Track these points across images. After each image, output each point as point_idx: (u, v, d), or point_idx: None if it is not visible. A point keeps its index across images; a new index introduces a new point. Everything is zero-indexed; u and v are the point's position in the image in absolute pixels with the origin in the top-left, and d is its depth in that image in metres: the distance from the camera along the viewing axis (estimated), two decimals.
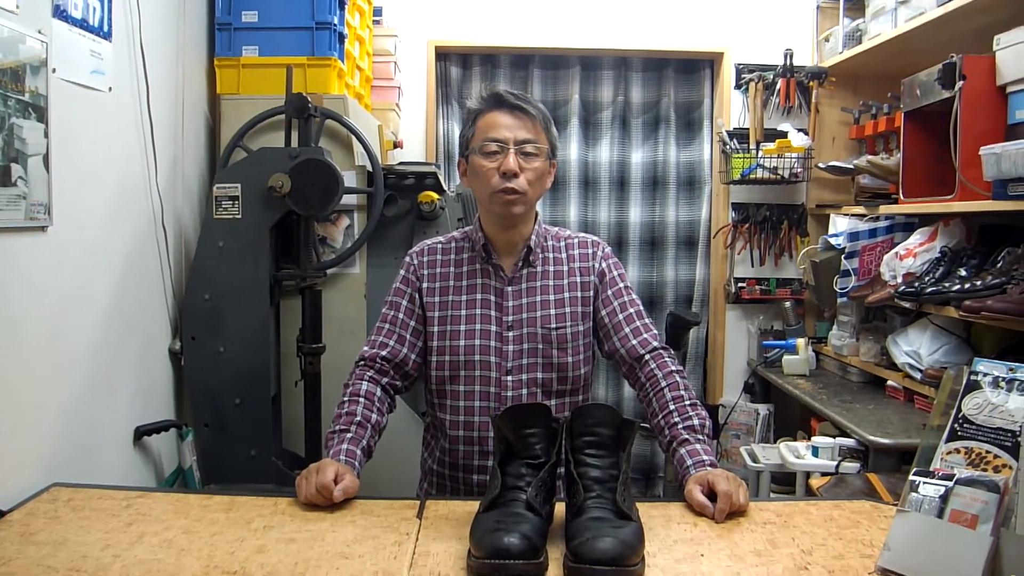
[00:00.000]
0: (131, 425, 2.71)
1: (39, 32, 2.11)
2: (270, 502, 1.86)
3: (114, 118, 2.60)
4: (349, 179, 3.12)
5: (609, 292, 2.20)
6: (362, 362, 2.17)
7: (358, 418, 2.03)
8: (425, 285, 2.19)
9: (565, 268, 2.20)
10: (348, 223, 3.26)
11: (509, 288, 2.16)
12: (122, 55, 2.63)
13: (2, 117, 1.95)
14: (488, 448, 2.11)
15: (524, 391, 2.11)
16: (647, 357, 2.14)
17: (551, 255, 2.21)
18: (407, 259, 2.25)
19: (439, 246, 2.25)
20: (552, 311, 2.15)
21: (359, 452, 1.97)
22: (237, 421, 2.86)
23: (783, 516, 1.81)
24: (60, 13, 2.22)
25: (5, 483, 1.94)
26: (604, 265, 2.22)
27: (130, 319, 2.71)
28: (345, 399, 2.08)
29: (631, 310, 2.19)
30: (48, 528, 1.72)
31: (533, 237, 2.18)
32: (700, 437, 1.98)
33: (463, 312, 2.15)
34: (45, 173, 2.13)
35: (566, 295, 2.17)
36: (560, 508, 1.69)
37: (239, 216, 2.89)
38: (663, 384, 2.08)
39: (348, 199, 3.17)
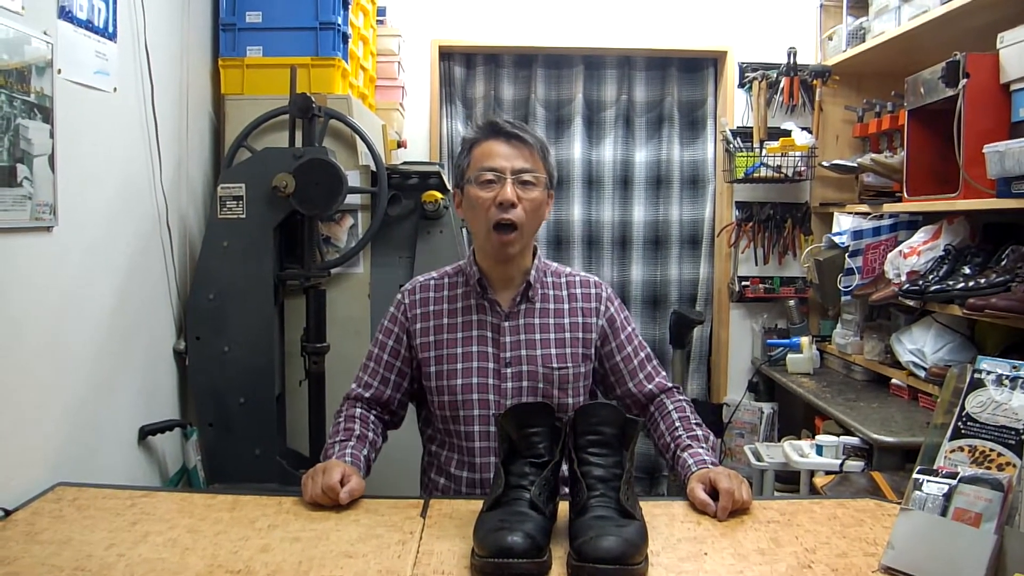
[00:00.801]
0: (135, 425, 2.72)
1: (44, 33, 2.11)
2: (274, 501, 1.86)
3: (119, 118, 2.61)
4: (353, 179, 3.13)
5: (622, 337, 2.17)
6: (349, 400, 2.17)
7: (357, 432, 2.05)
8: (418, 326, 2.13)
9: (566, 307, 2.15)
10: (352, 223, 3.27)
11: (506, 324, 2.10)
12: (127, 56, 2.64)
13: (8, 118, 1.95)
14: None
15: None
16: (661, 396, 2.17)
17: (551, 292, 2.16)
18: (399, 296, 2.20)
19: (432, 282, 2.19)
20: (553, 350, 2.09)
21: (363, 457, 1.98)
22: (241, 420, 2.87)
23: (787, 514, 1.81)
24: (65, 14, 2.22)
25: (10, 483, 1.95)
26: (612, 309, 2.18)
27: (135, 319, 2.71)
28: (340, 419, 2.10)
29: (642, 355, 2.19)
30: (53, 527, 1.73)
31: (533, 272, 2.12)
32: (703, 445, 2.00)
33: (459, 350, 2.09)
34: (50, 173, 2.13)
35: (567, 335, 2.12)
36: (564, 507, 1.69)
37: (243, 216, 2.89)
38: (670, 408, 2.12)
39: (352, 199, 3.17)
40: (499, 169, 2.01)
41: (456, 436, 2.09)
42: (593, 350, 2.15)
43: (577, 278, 2.20)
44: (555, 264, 2.25)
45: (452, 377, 2.08)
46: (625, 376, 2.17)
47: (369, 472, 2.02)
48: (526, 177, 2.02)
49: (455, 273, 2.19)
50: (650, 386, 2.17)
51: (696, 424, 2.06)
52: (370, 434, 2.07)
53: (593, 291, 2.18)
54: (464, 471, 2.09)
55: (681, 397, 2.16)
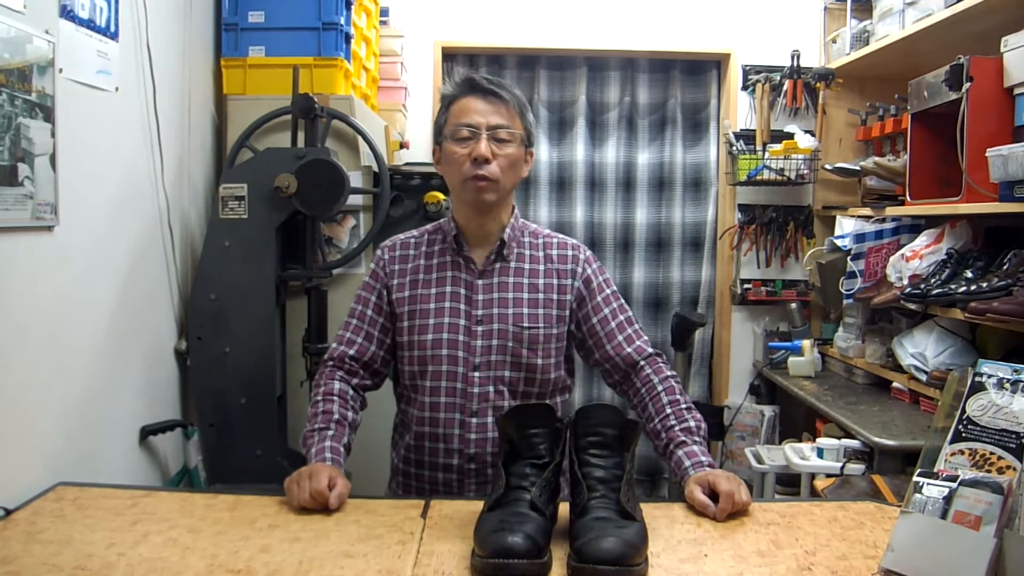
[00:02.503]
0: (137, 425, 2.72)
1: (46, 32, 2.11)
2: (275, 501, 1.86)
3: (121, 118, 2.61)
4: (355, 179, 3.13)
5: (599, 299, 2.16)
6: (331, 362, 2.15)
7: (336, 416, 2.03)
8: (395, 281, 2.14)
9: (542, 267, 2.15)
10: (354, 223, 3.27)
11: (480, 281, 2.10)
12: (129, 55, 2.64)
13: (9, 117, 1.95)
14: (453, 446, 2.07)
15: (491, 388, 2.06)
16: (642, 363, 2.13)
17: (527, 252, 2.16)
18: (378, 253, 2.21)
19: (412, 240, 2.20)
20: (525, 309, 2.09)
21: (342, 449, 1.97)
22: (242, 421, 2.87)
23: (787, 517, 1.80)
24: (67, 13, 2.22)
25: (11, 482, 1.95)
26: (589, 271, 2.17)
27: (136, 319, 2.71)
28: (319, 398, 2.07)
29: (621, 317, 2.16)
30: (53, 527, 1.73)
31: (508, 230, 2.12)
32: (697, 439, 1.98)
33: (432, 305, 2.10)
34: (52, 173, 2.14)
35: (541, 295, 2.12)
36: (564, 508, 1.69)
37: (245, 216, 2.89)
38: (659, 388, 2.08)
39: (354, 199, 3.17)
40: (475, 125, 2.02)
41: (421, 392, 2.10)
42: (568, 312, 2.14)
43: (555, 240, 2.20)
44: (534, 225, 2.24)
45: (423, 332, 2.08)
46: (603, 338, 2.14)
47: (349, 454, 2.02)
48: (502, 134, 2.03)
49: (434, 231, 2.21)
50: (629, 349, 2.13)
51: (686, 409, 2.03)
52: (349, 413, 2.06)
53: (570, 252, 2.18)
54: (427, 427, 2.09)
55: (667, 372, 2.12)
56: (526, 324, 2.08)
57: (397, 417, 2.25)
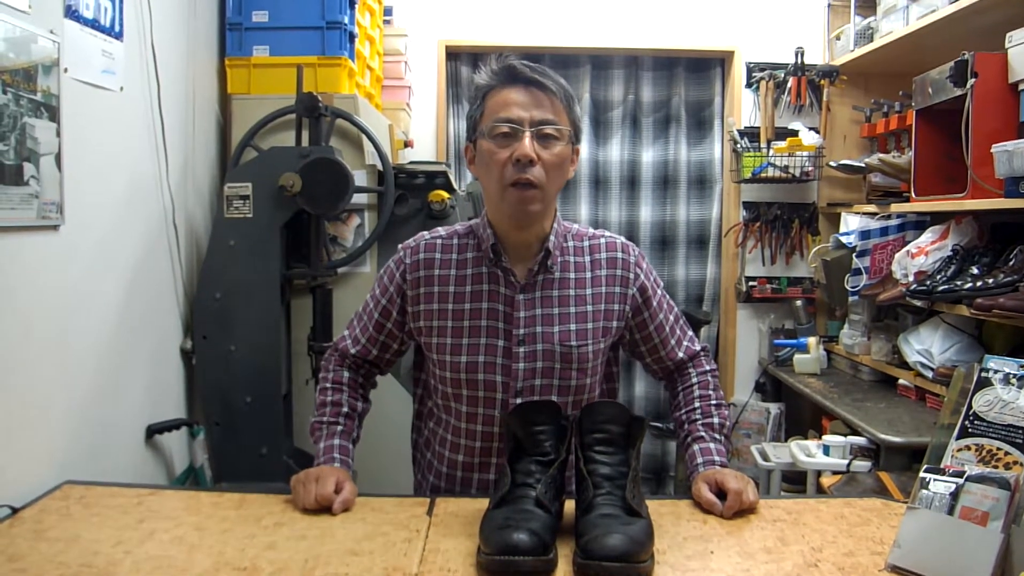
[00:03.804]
0: (142, 424, 2.73)
1: (51, 32, 2.12)
2: (280, 499, 1.86)
3: (125, 118, 2.61)
4: (360, 178, 3.13)
5: (654, 305, 1.99)
6: (336, 353, 2.05)
7: (344, 408, 1.96)
8: (421, 290, 1.92)
9: (589, 275, 1.93)
10: (359, 222, 3.27)
11: (521, 297, 1.88)
12: (133, 55, 2.64)
13: (14, 116, 1.96)
14: (489, 476, 1.97)
15: None
16: (688, 361, 2.07)
17: (572, 259, 1.94)
18: (399, 254, 1.98)
19: (439, 242, 1.95)
20: (572, 326, 1.89)
21: (351, 447, 1.94)
22: (248, 420, 2.87)
23: (793, 514, 1.80)
24: (72, 13, 2.23)
25: (17, 481, 1.95)
26: (643, 276, 1.98)
27: (141, 318, 2.72)
28: (327, 386, 2.00)
29: (672, 318, 2.04)
30: (60, 525, 1.73)
31: (552, 238, 1.89)
32: (717, 436, 1.94)
33: (466, 323, 1.89)
34: (57, 172, 2.14)
35: (589, 308, 1.91)
36: (570, 505, 1.69)
37: (250, 215, 2.89)
38: (695, 381, 2.03)
39: (359, 198, 3.17)
40: (516, 120, 1.78)
41: (456, 416, 1.94)
42: (621, 322, 1.95)
43: (602, 241, 1.98)
44: (576, 225, 2.01)
45: (456, 352, 1.89)
46: (657, 345, 2.02)
47: (357, 443, 1.98)
48: (548, 130, 1.79)
49: (466, 233, 1.96)
50: (679, 351, 2.04)
51: (715, 405, 1.98)
52: (359, 403, 2.00)
53: (620, 256, 1.96)
54: (460, 455, 1.96)
55: (708, 367, 2.06)
56: (574, 342, 1.89)
57: (416, 433, 2.15)
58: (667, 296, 2.06)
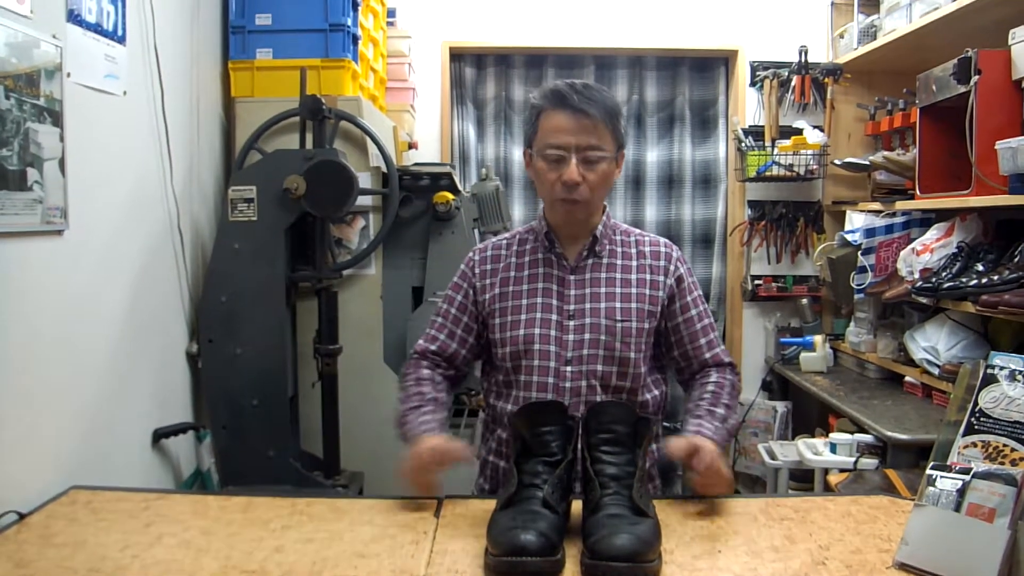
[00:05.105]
0: (149, 428, 2.73)
1: (53, 37, 2.12)
2: (288, 503, 1.87)
3: (129, 122, 2.62)
4: (364, 180, 3.13)
5: (688, 299, 2.14)
6: (415, 355, 2.18)
7: (429, 395, 2.05)
8: (487, 281, 2.14)
9: (634, 263, 2.13)
10: (363, 224, 3.27)
11: (572, 277, 2.09)
12: (136, 59, 2.64)
13: (18, 122, 1.96)
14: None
15: (583, 383, 2.02)
16: (714, 367, 2.13)
17: (619, 248, 2.15)
18: (469, 255, 2.23)
19: (503, 242, 2.21)
20: (618, 304, 2.07)
21: (436, 425, 1.97)
22: (255, 423, 2.86)
23: (800, 512, 1.80)
24: (74, 18, 2.23)
25: (24, 486, 1.95)
26: (683, 269, 2.16)
27: (147, 322, 2.72)
28: (410, 383, 2.09)
29: (706, 321, 2.15)
30: (67, 530, 1.74)
31: (600, 227, 2.11)
32: (717, 424, 1.94)
33: (524, 301, 2.09)
34: (61, 177, 2.14)
35: (634, 290, 2.09)
36: (577, 505, 1.69)
37: (255, 218, 2.89)
38: (713, 378, 2.08)
39: (363, 200, 3.18)
40: (564, 146, 1.98)
41: (516, 386, 2.08)
42: (659, 308, 2.11)
43: (647, 238, 2.20)
44: (624, 225, 2.24)
45: (515, 328, 2.08)
46: (684, 337, 2.13)
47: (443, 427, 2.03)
48: (592, 155, 1.99)
49: (526, 231, 2.21)
50: (707, 355, 2.13)
51: (726, 404, 2.02)
52: (442, 395, 2.08)
53: (663, 250, 2.16)
54: None
55: (731, 376, 2.12)
56: (619, 318, 2.06)
57: (487, 414, 2.24)
58: (705, 304, 2.19)
